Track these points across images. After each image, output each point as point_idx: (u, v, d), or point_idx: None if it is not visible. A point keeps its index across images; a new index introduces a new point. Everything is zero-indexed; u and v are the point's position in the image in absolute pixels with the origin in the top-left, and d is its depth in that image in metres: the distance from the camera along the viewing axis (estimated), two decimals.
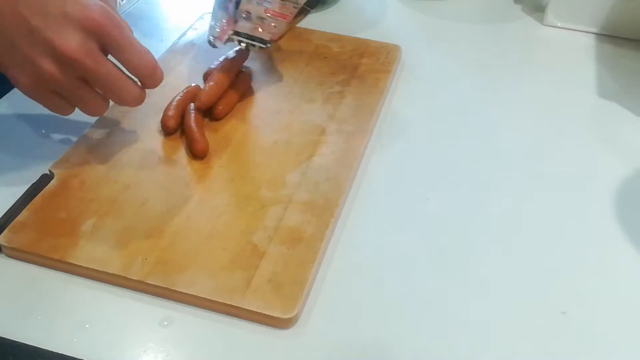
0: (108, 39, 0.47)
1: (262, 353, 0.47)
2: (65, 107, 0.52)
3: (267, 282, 0.49)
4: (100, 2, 0.48)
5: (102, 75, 0.49)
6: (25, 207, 0.54)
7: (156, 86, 0.53)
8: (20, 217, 0.53)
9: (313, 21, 0.85)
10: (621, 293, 0.52)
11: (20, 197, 0.55)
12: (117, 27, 0.48)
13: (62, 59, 0.47)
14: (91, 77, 0.49)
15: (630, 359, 0.48)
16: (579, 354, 0.48)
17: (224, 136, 0.63)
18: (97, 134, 0.62)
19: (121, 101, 0.51)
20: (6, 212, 0.53)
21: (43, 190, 0.56)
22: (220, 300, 0.48)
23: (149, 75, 0.51)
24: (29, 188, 0.56)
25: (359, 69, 0.74)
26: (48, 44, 0.46)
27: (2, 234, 0.52)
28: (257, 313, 0.47)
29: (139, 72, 0.50)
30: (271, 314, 0.47)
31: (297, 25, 0.81)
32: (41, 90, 0.49)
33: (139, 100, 0.52)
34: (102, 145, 0.61)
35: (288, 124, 0.66)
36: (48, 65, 0.47)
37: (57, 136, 0.63)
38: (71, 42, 0.46)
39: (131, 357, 0.46)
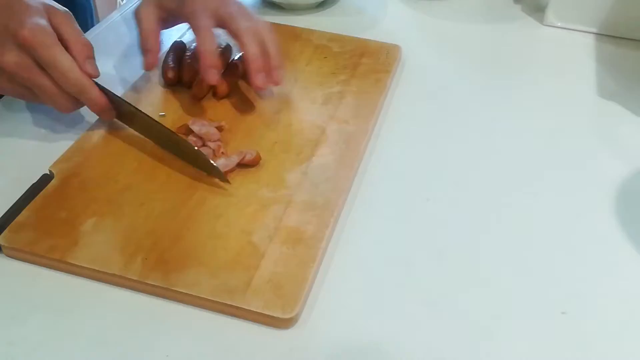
0: (36, 55, 0.53)
1: (262, 353, 0.47)
2: (29, 98, 0.58)
3: (267, 282, 0.49)
4: (40, 22, 0.53)
5: (36, 86, 0.55)
6: (25, 207, 0.54)
7: (90, 103, 0.58)
8: (21, 217, 0.53)
9: (313, 21, 0.85)
10: (621, 293, 0.52)
11: (20, 197, 0.55)
12: (43, 46, 0.52)
13: (3, 70, 0.53)
14: (30, 86, 0.55)
15: (631, 359, 0.48)
16: (579, 354, 0.48)
17: (224, 136, 0.63)
18: (97, 133, 0.62)
19: (55, 108, 0.57)
20: (6, 212, 0.53)
21: (43, 190, 0.56)
22: (220, 300, 0.48)
23: (77, 92, 0.56)
24: (29, 188, 0.56)
25: (359, 68, 0.74)
26: None
27: (2, 234, 0.52)
28: (257, 313, 0.47)
29: (67, 88, 0.55)
30: (271, 314, 0.47)
31: (297, 25, 0.81)
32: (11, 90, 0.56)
33: (69, 110, 0.58)
34: (102, 145, 0.61)
35: (288, 124, 0.66)
36: None
37: (57, 136, 0.63)
38: (7, 56, 0.52)
39: (131, 357, 0.46)
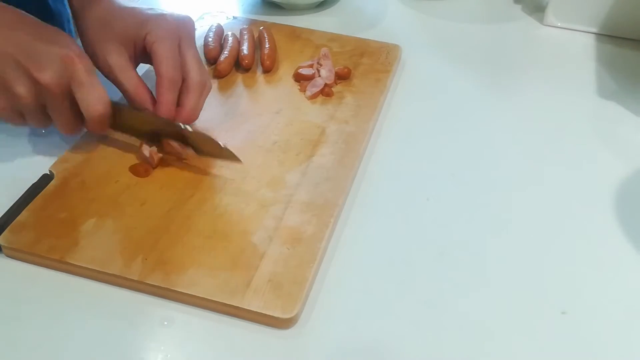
0: (76, 75, 0.54)
1: (262, 353, 0.47)
2: (32, 124, 0.58)
3: (267, 282, 0.49)
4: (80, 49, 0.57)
5: (56, 106, 0.56)
6: (25, 207, 0.54)
7: (98, 131, 0.59)
8: (21, 217, 0.53)
9: (313, 21, 0.85)
10: (621, 293, 0.52)
11: (20, 197, 0.55)
12: (87, 67, 0.55)
13: (36, 86, 0.54)
14: (50, 103, 0.55)
15: (630, 359, 0.48)
16: (579, 354, 0.48)
17: (222, 137, 0.63)
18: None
19: (62, 129, 0.58)
20: (6, 212, 0.53)
21: (43, 190, 0.56)
22: (220, 300, 0.48)
23: (94, 118, 0.56)
24: (29, 188, 0.56)
25: (359, 68, 0.74)
26: (27, 73, 0.53)
27: (2, 234, 0.52)
28: (257, 313, 0.47)
29: (88, 111, 0.56)
30: (271, 314, 0.47)
31: (297, 25, 0.81)
32: (10, 111, 0.56)
33: (69, 133, 0.59)
34: (102, 145, 0.61)
35: (288, 124, 0.66)
36: (22, 90, 0.53)
37: (57, 136, 0.63)
38: (48, 72, 0.53)
39: (131, 357, 0.46)
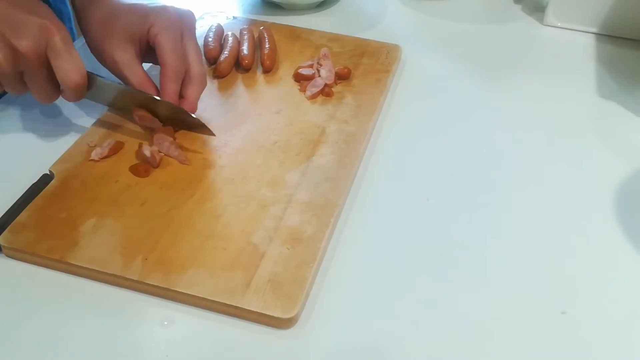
0: (53, 44, 0.55)
1: (262, 353, 0.47)
2: (8, 91, 0.59)
3: (267, 282, 0.49)
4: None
5: (35, 73, 0.56)
6: (25, 207, 0.54)
7: (73, 99, 0.60)
8: (21, 218, 0.53)
9: (313, 21, 0.85)
10: (621, 293, 0.52)
11: (20, 197, 0.55)
12: (65, 38, 0.56)
13: (14, 53, 0.54)
14: (27, 71, 0.56)
15: (630, 359, 0.48)
16: (579, 354, 0.48)
17: (223, 137, 0.63)
18: (98, 133, 0.62)
19: (38, 97, 0.59)
20: (6, 212, 0.53)
21: (43, 190, 0.56)
22: (220, 300, 0.48)
23: (70, 88, 0.57)
24: (29, 188, 0.56)
25: (359, 68, 0.74)
26: (5, 40, 0.54)
27: (2, 234, 0.52)
28: (257, 313, 0.48)
29: (64, 80, 0.57)
30: (271, 314, 0.47)
31: (297, 25, 0.81)
32: None
33: (49, 101, 0.60)
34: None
35: (288, 124, 0.66)
36: (0, 56, 0.54)
37: (57, 136, 0.63)
38: (26, 40, 0.54)
39: (131, 357, 0.46)
